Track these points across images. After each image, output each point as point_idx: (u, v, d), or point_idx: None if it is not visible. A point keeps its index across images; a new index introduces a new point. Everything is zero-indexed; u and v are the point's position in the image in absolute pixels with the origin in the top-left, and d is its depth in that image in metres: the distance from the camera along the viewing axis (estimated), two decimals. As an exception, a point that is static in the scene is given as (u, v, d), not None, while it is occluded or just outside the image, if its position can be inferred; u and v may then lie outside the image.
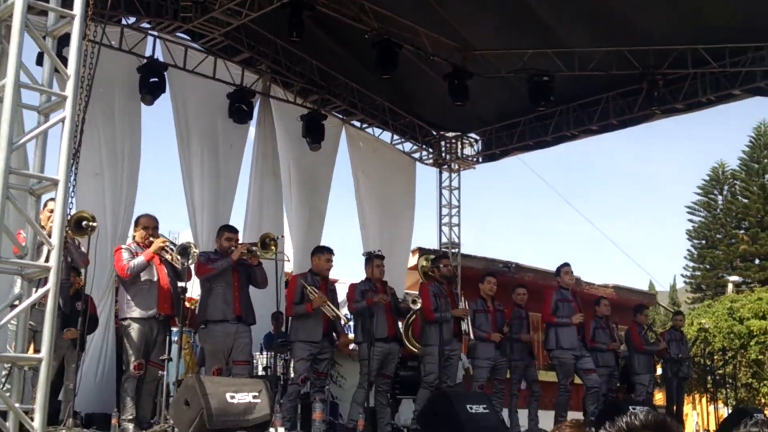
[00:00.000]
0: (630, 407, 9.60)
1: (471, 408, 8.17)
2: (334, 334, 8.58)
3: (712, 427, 13.20)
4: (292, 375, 8.65)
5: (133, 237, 7.87)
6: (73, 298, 7.56)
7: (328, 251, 8.80)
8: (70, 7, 4.34)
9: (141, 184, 10.38)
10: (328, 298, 8.45)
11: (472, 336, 9.35)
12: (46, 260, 4.17)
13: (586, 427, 3.91)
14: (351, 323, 9.84)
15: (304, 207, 12.32)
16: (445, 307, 9.19)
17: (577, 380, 10.28)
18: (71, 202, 5.73)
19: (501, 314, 10.01)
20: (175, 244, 7.55)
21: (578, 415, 10.46)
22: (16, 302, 4.24)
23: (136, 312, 7.31)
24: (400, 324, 10.20)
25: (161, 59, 10.92)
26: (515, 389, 10.01)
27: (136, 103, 10.52)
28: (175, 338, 7.94)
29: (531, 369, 10.12)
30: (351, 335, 9.84)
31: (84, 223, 7.07)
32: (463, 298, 9.58)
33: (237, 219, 11.42)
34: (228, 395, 6.45)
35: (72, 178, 5.41)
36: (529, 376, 10.15)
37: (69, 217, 7.19)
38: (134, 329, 7.30)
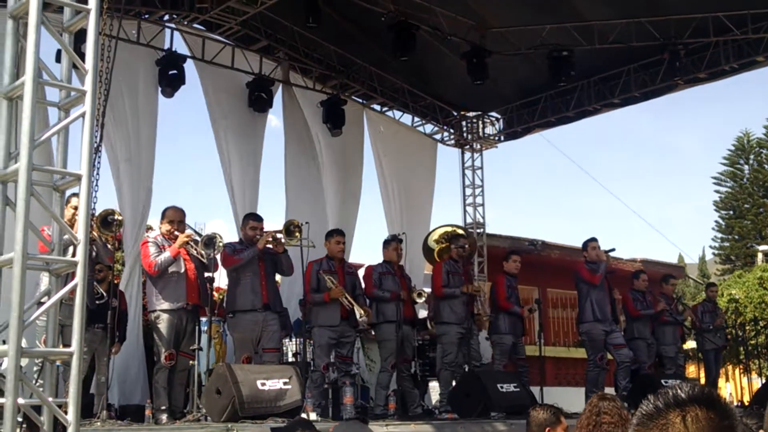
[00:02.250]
0: (662, 381, 9.58)
1: (502, 387, 8.16)
2: (357, 315, 8.50)
3: (747, 398, 13.10)
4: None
5: (160, 229, 7.91)
6: (108, 294, 7.60)
7: (338, 233, 8.78)
8: (85, 1, 4.34)
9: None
10: (345, 282, 8.43)
11: (488, 311, 9.30)
12: (73, 255, 4.19)
13: (618, 401, 3.92)
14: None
15: (337, 190, 12.37)
16: (458, 285, 9.16)
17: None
18: (95, 197, 5.75)
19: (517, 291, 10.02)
20: (200, 235, 7.58)
21: (612, 392, 10.41)
22: (44, 299, 4.27)
23: (165, 304, 7.37)
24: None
25: (179, 51, 10.94)
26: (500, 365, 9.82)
27: (154, 95, 10.55)
28: (204, 328, 7.99)
29: (518, 345, 9.85)
30: None
31: (110, 217, 7.12)
32: (477, 278, 9.43)
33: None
34: (259, 382, 6.49)
35: (95, 172, 5.42)
36: (513, 353, 9.85)
37: (94, 214, 7.28)
38: (163, 321, 7.35)
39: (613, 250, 10.21)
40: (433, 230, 9.93)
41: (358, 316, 8.55)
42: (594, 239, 10.11)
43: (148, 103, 10.50)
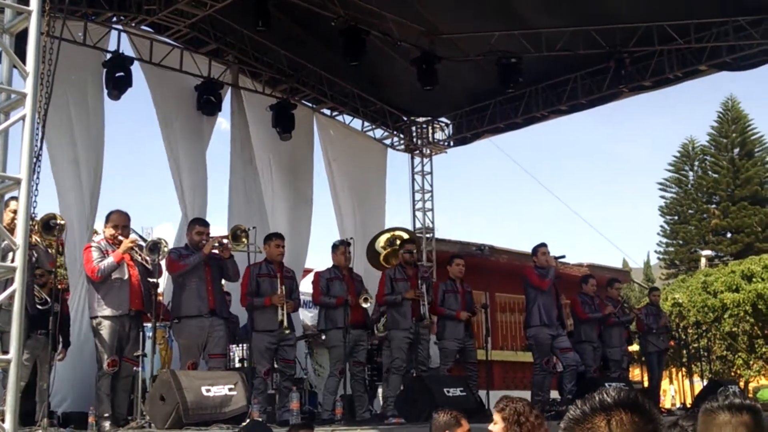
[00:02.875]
0: (606, 384, 9.71)
1: (448, 391, 8.20)
2: (304, 319, 8.40)
3: (689, 400, 13.34)
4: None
5: (103, 232, 7.78)
6: (50, 299, 7.46)
7: (277, 237, 8.69)
8: (27, 3, 4.27)
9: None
10: (284, 285, 8.37)
11: (427, 316, 9.29)
12: (12, 260, 4.12)
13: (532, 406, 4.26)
14: (309, 311, 9.81)
15: (288, 194, 12.32)
16: (402, 291, 9.19)
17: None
18: (35, 201, 5.65)
19: (470, 295, 10.03)
20: (145, 240, 7.49)
21: (556, 395, 10.52)
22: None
23: (107, 310, 7.25)
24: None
25: (127, 53, 10.81)
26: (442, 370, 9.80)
27: (101, 97, 10.41)
28: (149, 334, 7.90)
29: (467, 350, 9.78)
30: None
31: (51, 222, 6.99)
32: (421, 281, 9.39)
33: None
34: (204, 389, 6.45)
35: (35, 176, 5.33)
36: (464, 357, 9.80)
37: (36, 218, 7.16)
38: (105, 327, 7.23)
39: (563, 257, 10.31)
40: (378, 235, 9.87)
41: (309, 318, 8.50)
42: (544, 245, 10.19)
43: (95, 106, 10.35)
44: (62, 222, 7.17)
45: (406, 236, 9.92)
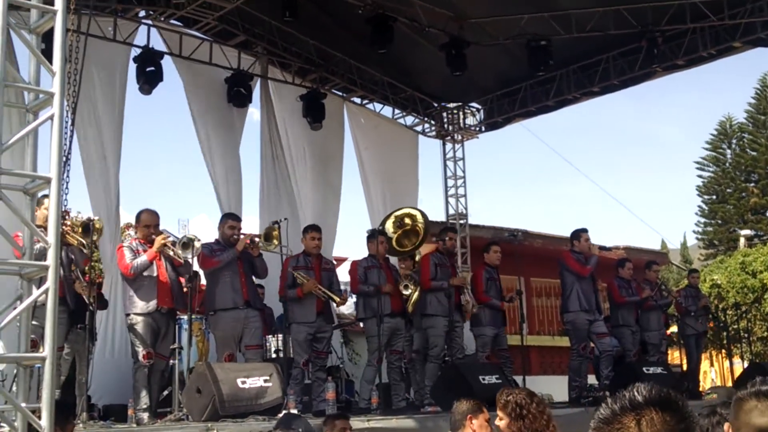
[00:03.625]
0: (644, 369, 9.62)
1: (484, 379, 8.17)
2: (334, 308, 8.44)
3: (730, 383, 13.19)
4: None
5: (135, 232, 7.88)
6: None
7: (314, 229, 8.71)
8: (52, 2, 4.29)
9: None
10: (322, 277, 8.41)
11: (474, 304, 9.26)
12: (45, 258, 4.15)
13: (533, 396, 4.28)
14: (352, 299, 9.79)
15: (317, 184, 12.34)
16: (446, 277, 9.16)
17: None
18: (65, 199, 5.71)
19: (499, 283, 10.00)
20: (178, 238, 7.57)
21: (594, 381, 10.45)
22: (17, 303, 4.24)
23: (138, 307, 7.36)
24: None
25: (156, 48, 10.87)
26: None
27: (123, 92, 10.49)
28: (185, 326, 7.97)
29: (500, 336, 9.78)
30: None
31: (90, 225, 7.15)
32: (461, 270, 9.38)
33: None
34: (239, 380, 6.48)
35: (66, 174, 5.38)
36: (495, 344, 9.77)
37: (70, 216, 7.29)
38: (139, 323, 7.34)
39: (608, 249, 10.17)
40: (384, 222, 9.69)
41: (334, 306, 8.50)
42: (585, 230, 10.05)
43: (120, 100, 10.42)
44: (100, 226, 7.33)
45: (411, 211, 9.76)
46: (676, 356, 15.02)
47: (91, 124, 9.91)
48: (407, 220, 9.54)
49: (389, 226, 9.51)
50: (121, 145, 10.37)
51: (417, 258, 9.81)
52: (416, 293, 8.98)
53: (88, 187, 9.87)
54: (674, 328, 12.96)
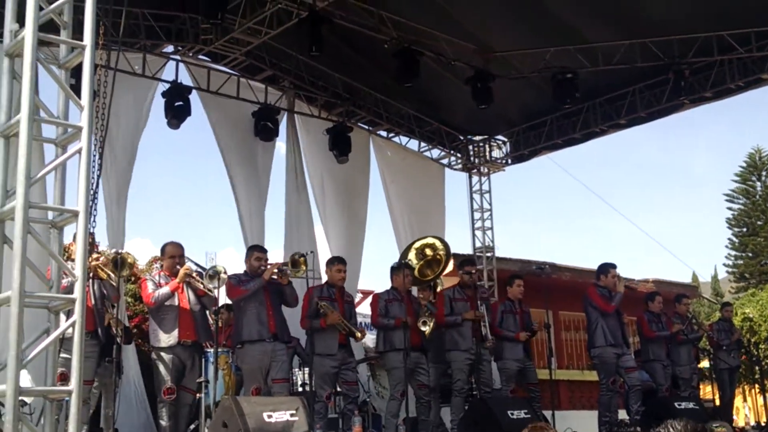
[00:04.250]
0: (676, 404, 9.46)
1: (512, 414, 8.07)
2: (367, 342, 8.44)
3: (764, 419, 12.93)
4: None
5: (160, 266, 7.93)
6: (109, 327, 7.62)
7: (339, 261, 8.70)
8: (81, 37, 4.36)
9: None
10: (344, 310, 8.38)
11: (489, 337, 9.19)
12: (72, 292, 4.17)
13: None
14: (372, 334, 9.76)
15: (342, 218, 12.37)
16: (461, 311, 9.12)
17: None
18: (93, 231, 5.75)
19: (528, 315, 9.92)
20: (203, 269, 7.59)
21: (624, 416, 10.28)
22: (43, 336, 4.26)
23: (161, 341, 7.38)
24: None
25: (185, 83, 11.01)
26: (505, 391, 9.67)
27: (141, 125, 10.64)
28: (211, 359, 7.96)
29: (528, 370, 9.73)
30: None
31: (121, 259, 7.21)
32: (480, 302, 9.31)
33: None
34: (265, 414, 6.44)
35: (93, 208, 5.43)
36: (524, 378, 9.73)
37: (108, 254, 7.37)
38: (162, 356, 7.35)
39: (635, 284, 10.00)
40: (406, 252, 9.64)
41: (371, 340, 8.46)
42: (614, 266, 9.89)
43: (136, 133, 10.54)
44: (131, 260, 7.38)
45: (431, 241, 9.73)
46: (708, 391, 14.78)
47: (112, 158, 10.03)
48: (428, 251, 9.53)
49: (412, 257, 9.50)
50: (130, 178, 10.43)
51: (439, 289, 9.75)
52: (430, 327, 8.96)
53: (107, 221, 9.96)
54: (705, 363, 12.76)
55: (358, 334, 8.51)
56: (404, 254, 9.68)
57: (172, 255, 7.64)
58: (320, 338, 8.24)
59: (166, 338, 7.35)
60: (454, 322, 9.07)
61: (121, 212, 10.16)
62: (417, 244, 9.71)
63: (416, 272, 9.39)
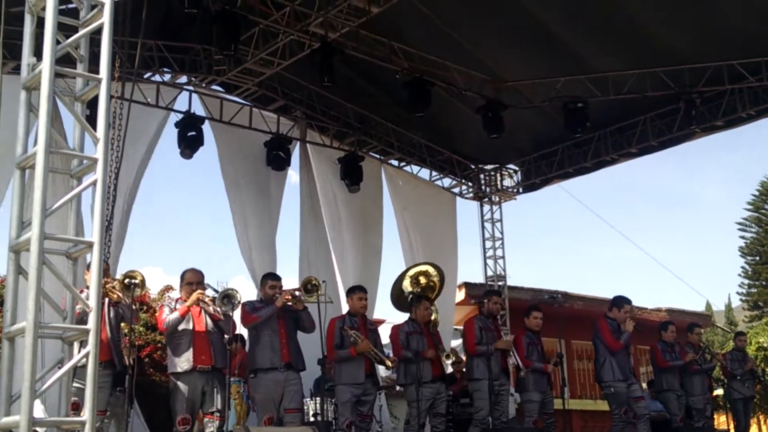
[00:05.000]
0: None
1: (526, 444, 8.02)
2: (380, 371, 8.43)
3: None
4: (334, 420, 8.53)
5: (180, 292, 7.91)
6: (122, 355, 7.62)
7: (361, 290, 8.74)
8: (98, 69, 4.41)
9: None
10: (368, 338, 8.40)
11: (521, 366, 9.16)
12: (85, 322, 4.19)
13: None
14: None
15: (357, 246, 12.39)
16: (491, 341, 9.09)
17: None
18: (107, 262, 5.78)
19: (542, 346, 9.89)
20: (218, 293, 7.57)
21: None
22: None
23: (176, 367, 7.33)
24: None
25: (198, 113, 11.10)
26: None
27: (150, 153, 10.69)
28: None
29: (546, 401, 9.57)
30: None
31: (127, 281, 7.19)
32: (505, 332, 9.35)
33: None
34: (277, 445, 6.42)
35: (108, 239, 5.46)
36: (542, 408, 9.55)
37: (117, 278, 7.36)
38: (177, 385, 7.31)
39: (638, 328, 9.86)
40: (401, 279, 9.61)
41: (384, 369, 8.44)
42: (629, 301, 9.83)
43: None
44: (139, 279, 7.33)
45: (424, 268, 9.70)
46: (722, 420, 14.65)
47: (132, 188, 10.11)
48: (422, 279, 9.51)
49: (407, 285, 9.48)
50: (133, 201, 10.43)
51: (434, 317, 9.67)
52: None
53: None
54: (719, 392, 12.66)
55: (389, 363, 8.49)
56: (398, 281, 9.66)
57: (190, 281, 7.62)
58: (347, 367, 8.26)
59: (181, 363, 7.29)
60: (485, 351, 9.02)
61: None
62: (411, 272, 9.70)
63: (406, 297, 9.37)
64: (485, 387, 8.95)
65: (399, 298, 10.04)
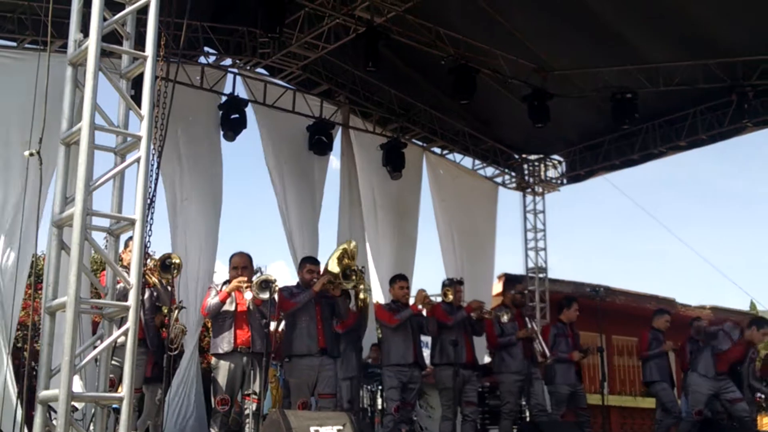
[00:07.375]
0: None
1: (563, 438, 7.93)
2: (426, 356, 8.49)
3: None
4: (380, 405, 8.55)
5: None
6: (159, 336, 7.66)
7: (401, 278, 8.80)
8: (143, 48, 4.40)
9: (230, 217, 10.57)
10: (413, 323, 8.45)
11: (547, 353, 9.05)
12: (127, 299, 4.19)
13: None
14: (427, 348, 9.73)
15: (393, 235, 12.32)
16: (512, 332, 9.02)
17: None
18: (149, 240, 5.78)
19: (577, 337, 9.77)
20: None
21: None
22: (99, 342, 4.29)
23: (218, 348, 7.35)
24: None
25: (241, 96, 11.09)
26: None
27: (217, 138, 10.70)
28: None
29: (578, 394, 9.46)
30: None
31: (167, 261, 7.19)
32: (528, 320, 9.28)
33: (327, 249, 11.56)
34: (312, 429, 6.39)
35: (149, 217, 5.46)
36: (574, 402, 9.49)
37: (155, 258, 7.38)
38: (219, 365, 7.33)
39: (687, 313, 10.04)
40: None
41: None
42: (668, 312, 10.16)
43: (212, 147, 10.65)
44: (177, 261, 7.34)
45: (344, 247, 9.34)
46: (765, 422, 14.39)
47: (175, 168, 10.13)
48: (346, 260, 9.03)
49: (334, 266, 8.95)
50: (220, 191, 10.57)
51: (362, 296, 9.45)
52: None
53: (171, 230, 10.06)
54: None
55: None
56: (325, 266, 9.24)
57: (235, 266, 7.63)
58: (395, 345, 8.44)
59: (222, 344, 7.33)
60: (508, 342, 8.95)
61: (215, 222, 10.42)
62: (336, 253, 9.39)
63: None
64: (511, 379, 8.95)
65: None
